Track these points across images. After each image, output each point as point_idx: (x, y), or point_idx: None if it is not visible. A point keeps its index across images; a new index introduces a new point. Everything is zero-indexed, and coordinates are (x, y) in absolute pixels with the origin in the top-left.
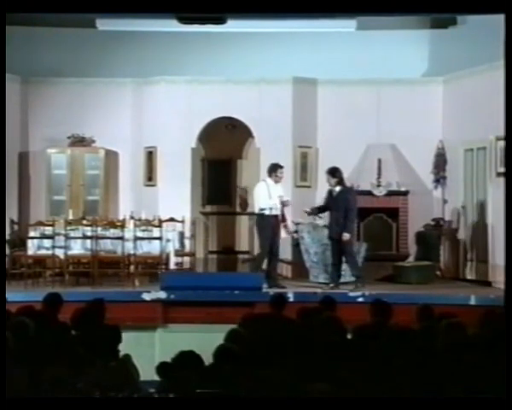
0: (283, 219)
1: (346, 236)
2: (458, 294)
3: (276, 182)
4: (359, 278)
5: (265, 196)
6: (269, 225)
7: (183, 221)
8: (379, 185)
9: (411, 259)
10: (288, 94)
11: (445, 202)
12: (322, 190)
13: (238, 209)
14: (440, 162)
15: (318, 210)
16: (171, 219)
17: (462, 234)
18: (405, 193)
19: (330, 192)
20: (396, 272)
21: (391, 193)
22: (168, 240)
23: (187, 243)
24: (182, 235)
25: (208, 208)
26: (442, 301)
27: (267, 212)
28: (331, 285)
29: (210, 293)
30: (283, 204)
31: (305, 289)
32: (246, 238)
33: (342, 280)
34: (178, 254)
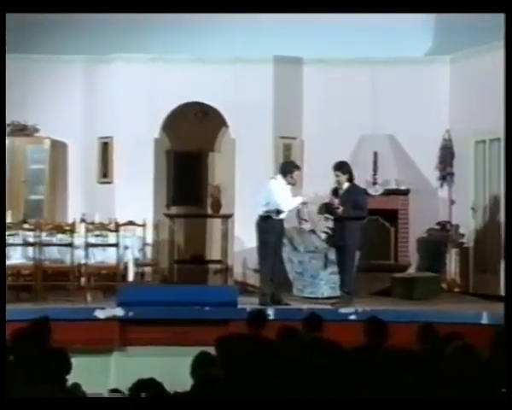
0: (299, 217)
1: (339, 210)
2: (467, 311)
3: (290, 184)
4: (348, 294)
5: (287, 195)
6: (274, 231)
7: (144, 225)
8: (375, 183)
9: (412, 269)
10: (269, 76)
11: (452, 202)
12: (308, 188)
13: (210, 211)
14: (447, 156)
15: (327, 209)
16: (130, 223)
17: (472, 240)
18: (406, 192)
19: (335, 191)
20: (394, 284)
21: (389, 192)
22: (126, 247)
23: (149, 250)
24: (143, 241)
25: (174, 210)
26: (448, 319)
27: (273, 214)
28: (339, 302)
29: (176, 310)
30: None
31: (313, 305)
32: (218, 245)
33: (332, 294)
34: (138, 263)
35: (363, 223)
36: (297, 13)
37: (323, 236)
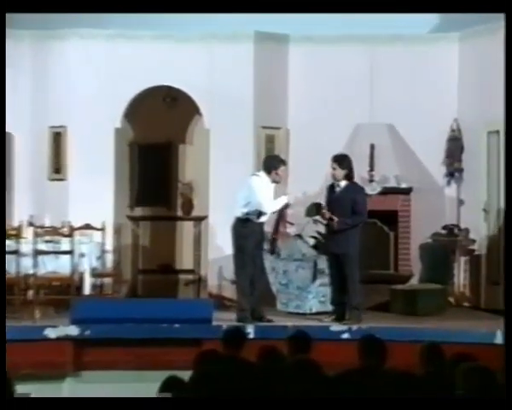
0: (283, 223)
1: (334, 222)
2: (479, 329)
3: (275, 182)
4: (356, 310)
5: (269, 195)
6: (253, 235)
7: (103, 229)
8: (371, 180)
9: (415, 281)
10: (249, 56)
11: (460, 203)
12: (294, 186)
13: (180, 213)
14: (455, 149)
15: (318, 210)
16: (87, 227)
17: (484, 247)
18: (407, 191)
19: (331, 188)
20: (394, 298)
21: (387, 191)
22: (82, 255)
23: (108, 258)
24: (101, 248)
25: (138, 211)
26: (456, 338)
27: (253, 217)
28: (330, 318)
29: (140, 328)
30: (285, 207)
31: (304, 322)
32: (190, 253)
33: (321, 309)
34: (96, 273)
35: (359, 223)
36: (297, 13)
37: (312, 241)
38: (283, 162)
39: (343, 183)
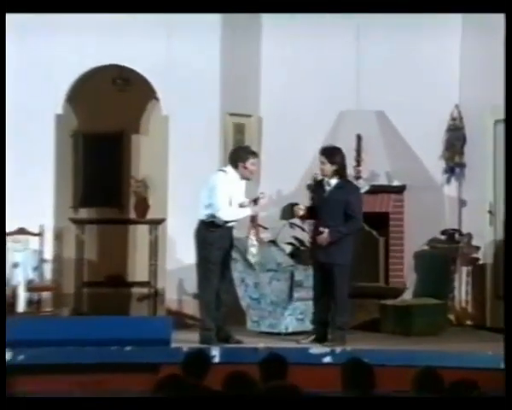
0: (253, 220)
1: (323, 236)
2: (483, 351)
3: (244, 178)
4: (340, 330)
5: (227, 196)
6: (220, 242)
7: (40, 234)
8: (358, 177)
9: (409, 295)
10: (215, 31)
11: (462, 203)
12: (268, 184)
13: (133, 215)
14: (456, 140)
15: (308, 214)
16: (21, 231)
17: (490, 255)
18: (400, 190)
19: (320, 186)
20: (384, 315)
21: (377, 190)
22: (16, 265)
23: (47, 269)
24: (39, 256)
25: (84, 213)
26: (457, 362)
27: (219, 221)
28: (309, 339)
29: (85, 351)
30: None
31: (279, 343)
32: (145, 262)
33: (299, 328)
34: (33, 287)
35: (357, 229)
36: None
37: (288, 248)
38: (253, 154)
39: (334, 180)
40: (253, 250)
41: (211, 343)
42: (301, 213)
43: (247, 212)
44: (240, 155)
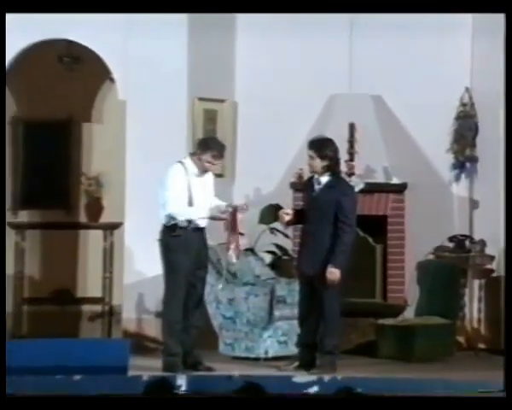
0: (234, 231)
1: (332, 272)
2: (498, 379)
3: (206, 171)
4: (330, 355)
5: (180, 191)
6: (186, 248)
7: None
8: (351, 174)
9: (410, 313)
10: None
11: (474, 205)
12: (244, 182)
13: (84, 218)
14: (466, 130)
15: (296, 218)
16: None
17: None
18: (400, 188)
19: (308, 184)
20: (381, 337)
21: (374, 188)
22: None
23: None
24: None
25: (24, 216)
26: (467, 391)
27: (183, 222)
28: (293, 365)
29: (25, 381)
30: (234, 211)
31: (257, 370)
32: (98, 274)
33: (281, 353)
34: None
35: (352, 234)
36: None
37: (268, 258)
38: (217, 145)
39: (324, 178)
40: (232, 269)
41: (176, 371)
42: (287, 218)
43: (198, 213)
44: (198, 146)
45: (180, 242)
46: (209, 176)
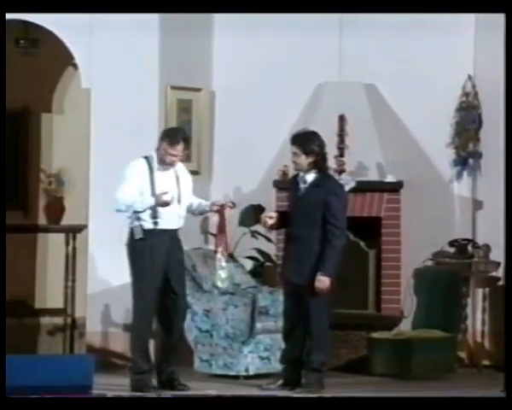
0: (222, 231)
1: (321, 280)
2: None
3: (170, 164)
4: (317, 372)
5: (135, 185)
6: (153, 254)
7: None
8: (341, 171)
9: (406, 325)
10: None
11: (477, 205)
12: (223, 179)
13: (43, 220)
14: (469, 123)
15: (281, 221)
16: None
17: None
18: (396, 187)
19: (294, 184)
20: (374, 352)
21: (366, 187)
22: None
23: None
24: None
25: None
26: None
27: (148, 224)
28: (277, 384)
29: None
30: (221, 209)
31: (237, 389)
32: (59, 283)
33: (263, 370)
34: None
35: (342, 238)
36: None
37: (249, 264)
38: (164, 134)
39: (310, 175)
40: (222, 274)
41: (145, 390)
42: (270, 222)
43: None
44: (166, 136)
45: (145, 246)
46: (183, 173)
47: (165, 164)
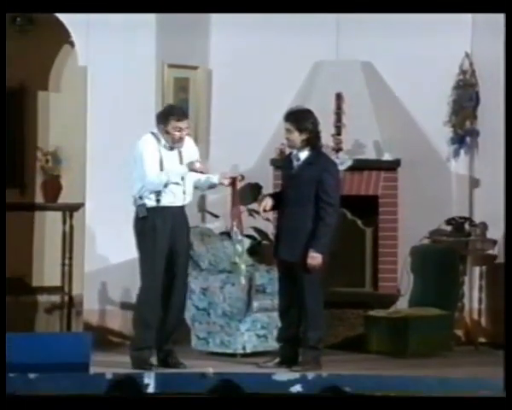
0: (235, 203)
1: (314, 257)
2: (500, 377)
3: (178, 142)
4: (314, 350)
5: (152, 164)
6: (156, 230)
7: None
8: (338, 150)
9: (403, 303)
10: None
11: (474, 183)
12: (220, 158)
13: (40, 199)
14: (466, 101)
15: (273, 202)
16: None
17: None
18: (393, 166)
19: (287, 162)
20: (371, 330)
21: (363, 166)
22: None
23: None
24: None
25: None
26: (466, 390)
27: (151, 202)
28: (273, 362)
29: None
30: (233, 181)
31: (234, 367)
32: (56, 261)
33: (260, 348)
34: None
35: (335, 216)
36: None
37: (247, 243)
38: (176, 115)
39: (304, 153)
40: (239, 248)
41: (145, 367)
42: (270, 204)
43: (172, 178)
44: (160, 116)
45: (149, 223)
46: (188, 149)
47: (174, 141)
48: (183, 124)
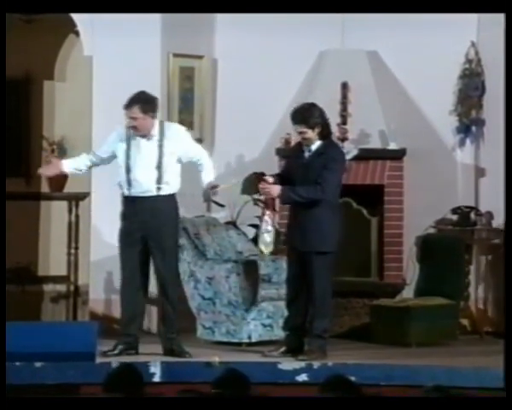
0: (270, 204)
1: (274, 188)
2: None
3: (138, 130)
4: (320, 339)
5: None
6: (127, 222)
7: None
8: (343, 139)
9: (409, 293)
10: None
11: (480, 173)
12: (226, 147)
13: (46, 188)
14: (472, 90)
15: (276, 178)
16: None
17: None
18: (399, 155)
19: (298, 152)
20: (377, 319)
21: (369, 155)
22: None
23: None
24: None
25: None
26: (472, 381)
27: (125, 191)
28: (279, 351)
29: None
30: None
31: (240, 356)
32: (62, 250)
33: (266, 337)
34: None
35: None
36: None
37: (252, 232)
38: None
39: (316, 144)
40: (268, 238)
41: (129, 353)
42: (272, 179)
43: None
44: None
45: (122, 211)
46: (172, 138)
47: (135, 132)
48: (129, 112)
